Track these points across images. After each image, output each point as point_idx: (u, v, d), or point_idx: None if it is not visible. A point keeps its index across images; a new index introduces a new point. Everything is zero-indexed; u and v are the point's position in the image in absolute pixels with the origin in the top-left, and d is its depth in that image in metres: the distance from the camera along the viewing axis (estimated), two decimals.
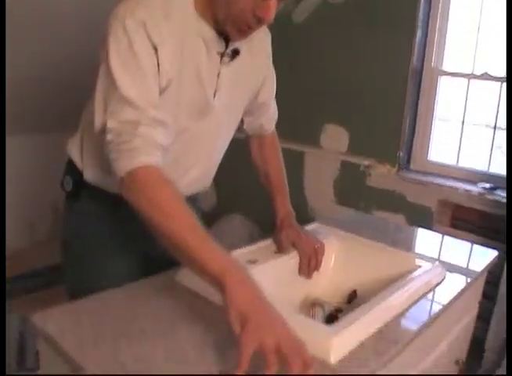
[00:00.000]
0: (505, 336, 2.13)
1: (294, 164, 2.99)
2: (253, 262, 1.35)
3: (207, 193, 3.49)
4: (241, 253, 1.40)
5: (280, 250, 1.45)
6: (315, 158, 2.97)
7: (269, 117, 1.59)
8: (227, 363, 0.99)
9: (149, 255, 1.44)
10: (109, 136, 1.12)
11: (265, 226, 1.56)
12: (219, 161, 1.53)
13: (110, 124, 1.12)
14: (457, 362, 1.68)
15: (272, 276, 1.35)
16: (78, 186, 1.42)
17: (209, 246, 1.02)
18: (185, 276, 1.28)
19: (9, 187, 2.89)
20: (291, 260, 1.43)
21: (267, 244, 1.49)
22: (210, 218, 3.45)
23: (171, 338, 1.07)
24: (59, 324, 1.09)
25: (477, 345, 2.14)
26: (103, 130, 1.14)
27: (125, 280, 1.29)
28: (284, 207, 1.52)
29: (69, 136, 1.44)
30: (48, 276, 2.79)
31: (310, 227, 1.63)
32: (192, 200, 1.40)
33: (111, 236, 1.43)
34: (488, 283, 1.79)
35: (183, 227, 1.05)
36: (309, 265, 1.42)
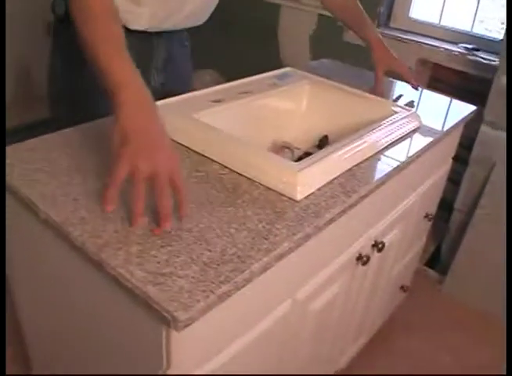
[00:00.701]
0: (473, 198, 2.12)
1: (269, 18, 2.81)
2: (217, 101, 1.24)
3: None
4: (205, 93, 1.29)
5: (377, 82, 1.55)
6: (291, 12, 2.79)
7: None
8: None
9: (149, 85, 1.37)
10: None
11: None
12: None
13: None
14: (427, 215, 1.66)
15: (237, 116, 1.26)
16: None
17: (119, 59, 0.93)
18: None
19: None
20: (259, 101, 1.32)
21: (233, 85, 1.37)
22: None
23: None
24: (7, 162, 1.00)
25: (446, 205, 2.13)
26: None
27: None
28: (373, 33, 1.56)
29: None
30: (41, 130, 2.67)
31: (280, 71, 1.52)
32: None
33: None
34: (460, 146, 1.73)
35: (101, 38, 0.96)
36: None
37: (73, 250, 0.83)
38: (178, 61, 1.49)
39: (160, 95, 1.36)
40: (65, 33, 1.30)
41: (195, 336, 0.78)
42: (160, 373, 0.79)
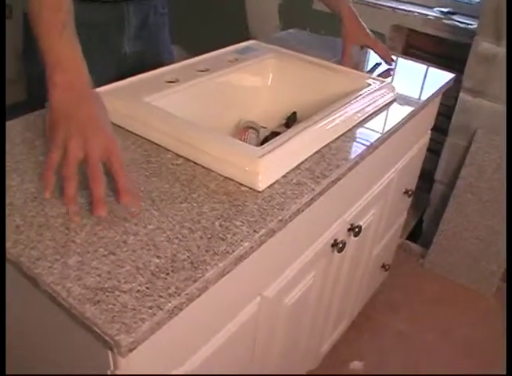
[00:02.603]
0: (454, 169, 2.04)
1: None
2: (172, 81, 1.13)
3: None
4: (159, 73, 1.18)
5: (344, 56, 1.46)
6: None
7: None
8: None
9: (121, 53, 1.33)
10: None
11: None
12: None
13: None
14: (406, 192, 1.57)
15: (195, 97, 1.15)
16: None
17: (58, 41, 0.88)
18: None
19: None
20: (219, 78, 1.21)
21: (190, 63, 1.26)
22: None
23: None
24: None
25: (427, 177, 2.05)
26: None
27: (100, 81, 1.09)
28: (346, 3, 1.46)
29: None
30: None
31: (244, 44, 1.40)
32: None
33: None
34: (439, 114, 1.64)
35: (44, 20, 0.90)
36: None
37: (7, 262, 0.73)
38: (153, 29, 1.39)
39: (135, 63, 1.34)
40: None
41: (146, 355, 0.68)
42: None
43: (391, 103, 1.24)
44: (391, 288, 1.99)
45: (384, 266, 1.75)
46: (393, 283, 1.99)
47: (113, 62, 1.31)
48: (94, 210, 0.76)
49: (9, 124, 1.04)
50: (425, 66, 1.58)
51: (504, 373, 1.24)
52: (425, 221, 2.27)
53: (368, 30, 1.48)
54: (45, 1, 0.92)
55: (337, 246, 1.14)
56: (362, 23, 1.48)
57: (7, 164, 0.90)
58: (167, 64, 1.24)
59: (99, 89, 1.06)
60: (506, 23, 1.71)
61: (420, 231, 2.29)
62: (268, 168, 0.86)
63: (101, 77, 1.07)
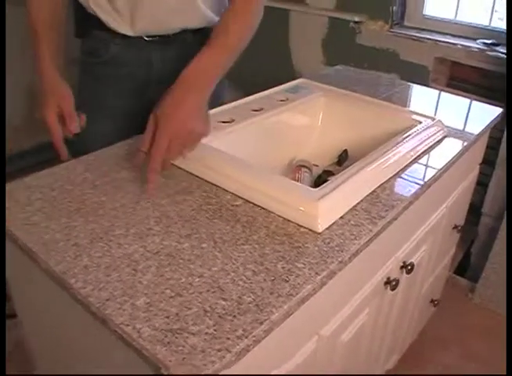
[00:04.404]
0: (504, 201, 2.02)
1: (279, 25, 2.73)
2: (227, 121, 1.16)
3: None
4: (213, 113, 1.21)
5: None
6: (300, 16, 2.70)
7: None
8: (192, 236, 0.84)
9: (130, 112, 1.35)
10: None
11: (253, 93, 1.34)
12: None
13: None
14: (456, 227, 1.57)
15: (250, 136, 1.18)
16: None
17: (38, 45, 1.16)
18: None
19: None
20: (272, 118, 1.24)
21: (243, 102, 1.29)
22: None
23: (132, 211, 0.92)
24: (9, 204, 0.94)
25: (474, 209, 2.03)
26: None
27: (106, 141, 1.18)
28: (200, 60, 1.03)
29: None
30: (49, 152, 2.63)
31: (292, 84, 1.43)
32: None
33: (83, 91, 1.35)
34: (486, 147, 1.64)
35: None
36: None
37: (77, 302, 0.75)
38: None
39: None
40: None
41: None
42: None
43: (441, 140, 1.24)
44: (439, 322, 1.97)
45: (432, 301, 1.73)
46: (442, 318, 1.97)
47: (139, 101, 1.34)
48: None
49: (69, 164, 1.08)
50: (468, 101, 1.58)
51: None
52: (473, 254, 2.24)
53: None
54: None
55: (391, 284, 1.14)
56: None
57: (68, 204, 0.93)
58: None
59: None
60: (506, 23, 1.69)
61: (467, 264, 2.26)
62: (327, 210, 0.87)
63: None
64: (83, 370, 0.93)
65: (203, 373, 0.61)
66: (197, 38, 1.30)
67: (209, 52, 1.04)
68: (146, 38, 1.28)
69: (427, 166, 1.13)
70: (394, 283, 1.14)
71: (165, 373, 0.63)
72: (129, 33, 1.26)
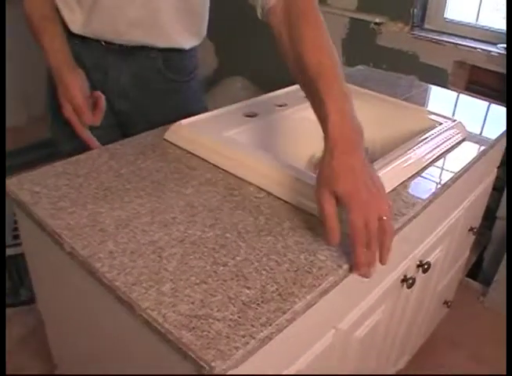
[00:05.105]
0: None
1: None
2: (251, 115, 1.18)
3: (206, 56, 3.28)
4: (237, 107, 1.23)
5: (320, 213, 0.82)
6: (321, 16, 2.71)
7: None
8: (216, 226, 0.86)
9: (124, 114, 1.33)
10: None
11: (270, 90, 1.35)
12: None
13: None
14: (471, 229, 1.57)
15: (273, 131, 1.19)
16: None
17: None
18: (176, 134, 1.12)
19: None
20: (296, 114, 1.25)
21: (268, 97, 1.31)
22: (210, 82, 3.26)
23: (157, 200, 0.93)
24: (33, 189, 0.95)
25: (488, 213, 2.03)
26: None
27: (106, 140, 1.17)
28: (336, 115, 0.83)
29: None
30: (47, 149, 2.67)
31: None
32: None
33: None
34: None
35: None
36: (360, 255, 0.78)
37: (102, 285, 0.77)
38: (152, 89, 1.32)
39: (118, 124, 1.34)
40: None
41: None
42: None
43: (460, 141, 1.25)
44: (451, 325, 1.97)
45: (446, 303, 1.74)
46: (453, 320, 1.97)
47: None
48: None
49: (94, 152, 1.10)
50: (487, 104, 1.59)
51: None
52: (486, 258, 2.24)
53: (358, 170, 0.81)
54: None
55: (407, 282, 1.15)
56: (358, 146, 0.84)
57: (94, 191, 0.95)
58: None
59: (183, 121, 1.12)
60: (506, 24, 1.68)
61: (480, 268, 2.27)
62: None
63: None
64: (105, 357, 0.95)
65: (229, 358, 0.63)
66: (164, 56, 1.28)
67: (333, 100, 0.84)
68: (103, 43, 1.23)
69: (446, 167, 1.13)
70: (410, 281, 1.15)
71: (192, 356, 0.64)
72: (78, 30, 1.22)
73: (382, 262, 0.79)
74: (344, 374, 1.10)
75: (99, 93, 1.18)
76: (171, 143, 1.11)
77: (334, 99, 0.84)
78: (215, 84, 3.20)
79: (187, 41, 1.29)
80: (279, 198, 0.94)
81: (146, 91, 1.31)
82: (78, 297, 0.93)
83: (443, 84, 2.34)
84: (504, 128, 1.39)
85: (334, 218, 0.78)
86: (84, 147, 1.14)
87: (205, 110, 1.23)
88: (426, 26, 2.56)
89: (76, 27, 1.21)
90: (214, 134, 1.07)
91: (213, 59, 3.36)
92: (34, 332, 1.67)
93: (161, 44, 1.25)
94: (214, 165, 1.04)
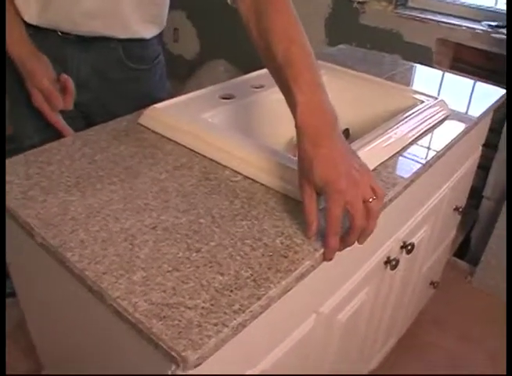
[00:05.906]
0: (503, 184, 2.01)
1: None
2: (227, 97, 1.15)
3: (189, 40, 3.25)
4: (213, 89, 1.20)
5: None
6: None
7: None
8: (190, 211, 0.83)
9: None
10: None
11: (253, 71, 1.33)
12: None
13: None
14: (457, 208, 1.56)
15: (249, 113, 1.16)
16: None
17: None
18: (150, 118, 1.09)
19: None
20: (273, 95, 1.22)
21: (244, 79, 1.28)
22: (193, 66, 3.23)
23: (131, 186, 0.91)
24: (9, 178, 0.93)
25: (475, 192, 2.02)
26: None
27: (41, 137, 1.14)
28: (305, 106, 0.79)
29: None
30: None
31: None
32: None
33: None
34: (489, 130, 1.62)
35: None
36: (343, 239, 0.77)
37: (73, 276, 0.75)
38: (113, 79, 1.29)
39: (81, 116, 1.29)
40: None
41: (208, 371, 0.69)
42: None
43: (443, 119, 1.23)
44: (439, 306, 1.97)
45: (432, 283, 1.73)
46: (440, 300, 1.97)
47: None
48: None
49: (67, 139, 1.07)
50: (472, 82, 1.56)
51: None
52: (473, 238, 2.23)
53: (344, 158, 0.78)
54: None
55: (391, 263, 1.13)
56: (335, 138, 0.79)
57: (66, 179, 0.92)
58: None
59: (158, 105, 1.09)
60: (506, 24, 1.67)
61: (467, 248, 2.26)
62: None
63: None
64: (80, 346, 0.93)
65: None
66: (124, 46, 1.26)
67: (301, 90, 0.80)
68: (60, 34, 1.20)
69: (429, 145, 1.11)
70: (394, 262, 1.13)
71: (163, 346, 0.62)
72: (33, 21, 1.17)
73: (360, 242, 0.78)
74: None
75: (65, 76, 1.15)
76: (146, 127, 1.08)
77: (303, 89, 0.80)
78: (198, 68, 3.17)
79: (147, 31, 1.27)
80: (255, 181, 0.92)
81: (107, 81, 1.28)
82: (54, 289, 0.91)
83: (428, 63, 2.31)
84: (488, 105, 1.37)
85: (312, 212, 0.77)
86: (53, 140, 1.09)
87: (170, 97, 1.19)
88: (410, 4, 2.52)
89: (31, 18, 1.17)
90: (190, 117, 1.05)
91: (196, 43, 3.32)
92: (19, 325, 1.64)
93: (121, 35, 1.23)
94: (189, 149, 1.01)
